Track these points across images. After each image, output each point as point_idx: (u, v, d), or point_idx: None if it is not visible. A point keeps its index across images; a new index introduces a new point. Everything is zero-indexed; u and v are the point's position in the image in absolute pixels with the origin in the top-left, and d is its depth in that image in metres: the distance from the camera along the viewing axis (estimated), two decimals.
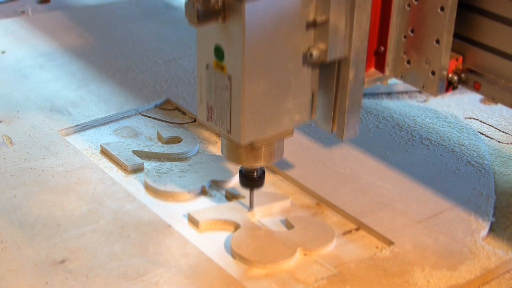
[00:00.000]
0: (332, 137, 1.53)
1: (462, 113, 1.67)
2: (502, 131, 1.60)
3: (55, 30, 2.04)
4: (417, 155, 1.49)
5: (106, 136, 1.56)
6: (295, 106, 1.16)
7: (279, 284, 1.18)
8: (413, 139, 1.54)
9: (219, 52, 1.09)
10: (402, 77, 1.22)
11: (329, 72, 1.15)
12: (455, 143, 1.54)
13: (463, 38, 1.19)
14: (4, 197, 1.33)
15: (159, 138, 1.55)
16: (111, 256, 1.21)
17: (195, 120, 1.62)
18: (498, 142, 1.57)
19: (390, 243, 1.26)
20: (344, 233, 1.30)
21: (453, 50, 1.17)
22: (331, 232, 1.27)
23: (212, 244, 1.26)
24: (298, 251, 1.23)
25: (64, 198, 1.34)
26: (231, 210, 1.32)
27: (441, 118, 1.64)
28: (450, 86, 1.20)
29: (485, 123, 1.63)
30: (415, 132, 1.57)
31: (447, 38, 1.15)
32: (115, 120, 1.61)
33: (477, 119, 1.65)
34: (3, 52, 1.90)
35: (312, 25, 1.10)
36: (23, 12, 2.15)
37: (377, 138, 1.54)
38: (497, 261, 1.22)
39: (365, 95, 1.71)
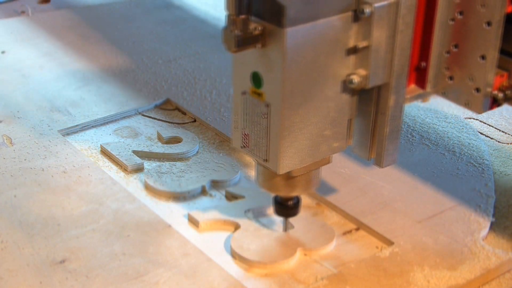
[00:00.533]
0: None
1: (462, 113, 1.66)
2: (502, 131, 1.60)
3: (55, 30, 2.04)
4: (417, 155, 1.49)
5: (106, 136, 1.56)
6: (333, 133, 1.12)
7: (279, 284, 1.18)
8: (413, 139, 1.55)
9: (256, 79, 1.06)
10: (444, 94, 1.18)
11: (368, 98, 1.12)
12: (455, 143, 1.54)
13: (509, 54, 1.15)
14: (4, 197, 1.34)
15: (159, 138, 1.55)
16: (111, 256, 1.21)
17: (195, 120, 1.62)
18: (498, 142, 1.57)
19: (390, 243, 1.26)
20: (344, 233, 1.30)
21: (498, 66, 1.14)
22: (331, 232, 1.27)
23: (212, 244, 1.26)
24: (298, 251, 1.23)
25: (64, 198, 1.34)
26: (231, 210, 1.32)
27: (441, 118, 1.64)
28: (494, 103, 1.16)
29: (485, 123, 1.63)
30: (415, 132, 1.57)
31: (493, 54, 1.11)
32: (115, 120, 1.61)
33: (477, 119, 1.65)
34: (3, 52, 1.90)
35: (353, 51, 1.07)
36: (23, 12, 2.15)
37: None
38: (497, 261, 1.22)
39: None
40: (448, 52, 1.16)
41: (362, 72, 1.07)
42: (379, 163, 1.16)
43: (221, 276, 1.18)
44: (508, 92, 1.16)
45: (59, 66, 1.83)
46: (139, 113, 1.64)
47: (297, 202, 1.23)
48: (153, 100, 1.68)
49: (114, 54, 1.90)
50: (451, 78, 1.17)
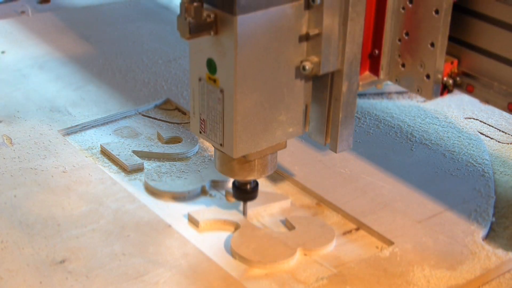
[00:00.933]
0: None
1: (462, 113, 1.67)
2: (502, 131, 1.60)
3: (55, 30, 2.04)
4: (417, 155, 1.49)
5: (106, 136, 1.56)
6: (288, 118, 1.15)
7: (279, 284, 1.18)
8: (413, 139, 1.55)
9: (211, 65, 1.09)
10: (396, 81, 1.21)
11: (322, 84, 1.15)
12: (455, 143, 1.54)
13: (459, 42, 1.18)
14: (4, 197, 1.33)
15: (159, 138, 1.55)
16: (111, 256, 1.21)
17: None
18: (498, 142, 1.57)
19: (390, 243, 1.26)
20: (344, 233, 1.30)
21: (448, 53, 1.17)
22: (331, 232, 1.27)
23: (212, 244, 1.26)
24: (298, 251, 1.23)
25: (64, 198, 1.34)
26: (231, 210, 1.32)
27: (441, 118, 1.64)
28: (445, 89, 1.19)
29: (485, 123, 1.63)
30: (415, 132, 1.57)
31: (442, 41, 1.14)
32: (115, 120, 1.61)
33: (477, 119, 1.65)
34: (3, 52, 1.90)
35: (305, 38, 1.09)
36: (23, 12, 2.15)
37: (377, 138, 1.54)
38: (497, 261, 1.22)
39: (364, 95, 1.71)
40: (400, 40, 1.18)
41: (314, 59, 1.10)
42: (334, 148, 1.19)
43: (221, 276, 1.18)
44: (458, 78, 1.18)
45: (59, 66, 1.83)
46: (139, 113, 1.64)
47: (255, 186, 1.26)
48: (153, 100, 1.68)
49: (114, 54, 1.90)
50: (403, 65, 1.19)
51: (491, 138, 1.58)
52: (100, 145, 1.51)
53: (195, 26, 1.04)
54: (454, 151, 1.51)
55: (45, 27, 2.05)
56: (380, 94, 1.72)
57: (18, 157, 1.45)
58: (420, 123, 1.61)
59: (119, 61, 1.86)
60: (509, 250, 1.25)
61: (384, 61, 1.20)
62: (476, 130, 1.60)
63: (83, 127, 1.58)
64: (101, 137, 1.55)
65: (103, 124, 1.60)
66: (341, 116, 1.15)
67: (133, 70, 1.82)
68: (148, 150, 1.49)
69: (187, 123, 1.61)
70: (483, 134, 1.59)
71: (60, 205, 1.32)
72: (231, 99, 1.08)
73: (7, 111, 1.62)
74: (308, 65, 1.10)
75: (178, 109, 1.66)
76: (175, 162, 1.46)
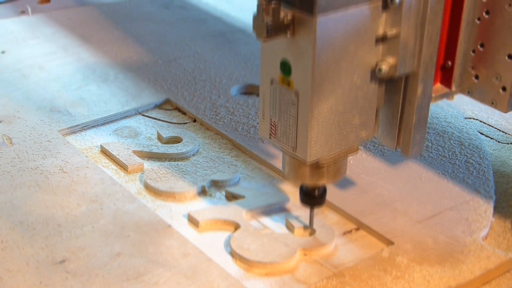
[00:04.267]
0: None
1: (462, 113, 1.67)
2: (502, 131, 1.60)
3: (55, 30, 2.04)
4: (417, 154, 1.49)
5: (106, 136, 1.56)
6: (361, 122, 1.13)
7: (279, 284, 1.18)
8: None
9: (285, 67, 1.06)
10: (469, 93, 1.18)
11: (394, 87, 1.13)
12: (455, 143, 1.54)
13: None
14: (4, 197, 1.33)
15: (159, 138, 1.55)
16: (111, 256, 1.21)
17: (195, 120, 1.62)
18: (498, 142, 1.57)
19: (390, 243, 1.26)
20: (344, 233, 1.30)
21: None
22: (331, 232, 1.27)
23: (212, 244, 1.26)
24: (298, 251, 1.23)
25: (64, 198, 1.34)
26: (231, 210, 1.32)
27: (441, 118, 1.64)
28: None
29: (485, 123, 1.63)
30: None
31: None
32: (115, 120, 1.61)
33: (477, 119, 1.65)
34: (3, 52, 1.90)
35: (382, 39, 1.07)
36: (23, 12, 2.15)
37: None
38: (497, 261, 1.22)
39: None
40: (474, 51, 1.16)
41: (390, 60, 1.08)
42: (406, 152, 1.16)
43: (221, 276, 1.18)
44: None
45: (59, 66, 1.83)
46: (139, 113, 1.64)
47: (323, 191, 1.23)
48: (153, 100, 1.68)
49: (114, 54, 1.90)
50: (476, 77, 1.17)
51: (491, 138, 1.58)
52: (100, 145, 1.51)
53: (273, 27, 1.01)
54: (454, 151, 1.51)
55: (45, 27, 2.05)
56: None
57: (18, 157, 1.45)
58: None
59: (119, 61, 1.86)
60: (509, 250, 1.25)
61: (456, 73, 1.18)
62: (476, 130, 1.60)
63: (83, 127, 1.58)
64: (101, 137, 1.55)
65: (103, 124, 1.60)
66: (414, 119, 1.13)
67: (133, 70, 1.82)
68: (148, 150, 1.49)
69: (187, 123, 1.61)
70: (483, 134, 1.59)
71: (60, 205, 1.32)
72: (307, 102, 1.05)
73: (7, 111, 1.62)
74: (384, 67, 1.07)
75: (178, 109, 1.66)
76: (175, 162, 1.46)
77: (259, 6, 1.00)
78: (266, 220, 1.31)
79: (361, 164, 1.46)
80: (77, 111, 1.63)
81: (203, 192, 1.39)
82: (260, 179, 1.43)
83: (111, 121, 1.61)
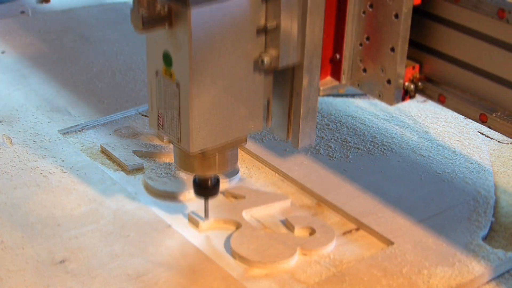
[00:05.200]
0: (331, 137, 1.53)
1: None
2: None
3: (55, 30, 2.03)
4: (417, 155, 1.49)
5: (106, 136, 1.56)
6: (248, 113, 1.13)
7: (279, 284, 1.18)
8: (413, 139, 1.54)
9: (167, 59, 1.07)
10: (359, 86, 1.20)
11: (283, 79, 1.13)
12: (455, 143, 1.54)
13: (420, 46, 1.17)
14: (4, 197, 1.33)
15: (159, 138, 1.55)
16: (111, 256, 1.21)
17: None
18: (498, 142, 1.57)
19: (390, 243, 1.26)
20: (344, 233, 1.30)
21: (410, 58, 1.15)
22: (331, 232, 1.27)
23: (212, 244, 1.26)
24: (298, 251, 1.23)
25: (64, 198, 1.34)
26: (231, 210, 1.32)
27: (441, 118, 1.63)
28: (406, 95, 1.18)
29: None
30: (415, 132, 1.57)
31: (402, 46, 1.12)
32: (115, 120, 1.61)
33: None
34: (3, 52, 1.90)
35: (263, 31, 1.08)
36: (23, 12, 2.15)
37: (376, 138, 1.54)
38: (497, 261, 1.22)
39: (365, 94, 1.71)
40: (361, 44, 1.17)
41: (273, 52, 1.08)
42: (295, 144, 1.17)
43: (221, 276, 1.18)
44: (420, 84, 1.17)
45: (59, 66, 1.83)
46: (139, 113, 1.64)
47: (216, 182, 1.24)
48: None
49: (114, 54, 1.90)
50: (364, 70, 1.18)
51: (491, 138, 1.58)
52: (100, 145, 1.51)
53: (149, 19, 1.02)
54: (454, 151, 1.51)
55: (45, 27, 2.05)
56: None
57: (18, 157, 1.45)
58: (420, 123, 1.61)
59: (119, 61, 1.86)
60: (509, 250, 1.25)
61: (345, 66, 1.19)
62: (476, 130, 1.60)
63: (83, 127, 1.58)
64: (101, 137, 1.55)
65: (103, 124, 1.60)
66: (302, 111, 1.13)
67: (133, 70, 1.82)
68: (148, 150, 1.49)
69: None
70: (483, 134, 1.59)
71: (60, 205, 1.32)
72: (187, 93, 1.06)
73: (7, 111, 1.62)
74: (266, 59, 1.08)
75: None
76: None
77: None
78: (266, 220, 1.31)
79: (361, 164, 1.46)
80: (77, 111, 1.63)
81: None
82: (260, 179, 1.43)
83: (111, 121, 1.61)
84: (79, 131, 1.57)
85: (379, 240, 1.28)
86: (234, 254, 1.23)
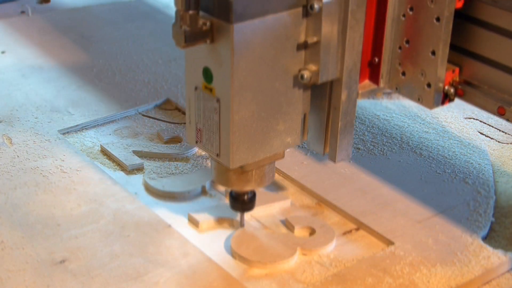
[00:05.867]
0: None
1: (462, 113, 1.66)
2: (502, 131, 1.60)
3: (55, 30, 2.03)
4: (417, 155, 1.49)
5: (106, 136, 1.56)
6: (286, 128, 1.13)
7: (279, 284, 1.18)
8: (413, 139, 1.54)
9: (207, 74, 1.07)
10: (397, 89, 1.19)
11: (321, 93, 1.13)
12: (455, 143, 1.54)
13: (460, 50, 1.17)
14: (4, 197, 1.33)
15: (159, 138, 1.55)
16: (111, 256, 1.21)
17: None
18: (498, 142, 1.57)
19: (390, 243, 1.26)
20: (344, 233, 1.30)
21: (449, 61, 1.15)
22: (331, 232, 1.27)
23: (212, 244, 1.26)
24: (298, 251, 1.23)
25: (64, 198, 1.34)
26: (231, 210, 1.32)
27: (441, 118, 1.64)
28: (446, 98, 1.17)
29: (485, 123, 1.63)
30: (415, 132, 1.57)
31: (443, 50, 1.12)
32: (115, 120, 1.61)
33: (477, 119, 1.65)
34: (3, 52, 1.90)
35: (303, 46, 1.08)
36: (23, 12, 2.15)
37: (377, 138, 1.54)
38: (497, 261, 1.22)
39: (364, 95, 1.71)
40: (400, 47, 1.17)
41: (312, 67, 1.08)
42: (333, 158, 1.17)
43: (221, 276, 1.18)
44: (459, 87, 1.16)
45: (59, 66, 1.83)
46: (139, 113, 1.64)
47: (252, 196, 1.24)
48: (153, 100, 1.68)
49: (114, 54, 1.90)
50: (403, 73, 1.18)
51: (491, 138, 1.58)
52: (100, 145, 1.51)
53: (191, 35, 1.02)
54: (454, 151, 1.51)
55: (45, 27, 2.05)
56: (380, 94, 1.72)
57: (18, 157, 1.45)
58: (420, 123, 1.61)
59: (119, 61, 1.86)
60: (509, 250, 1.25)
61: (384, 69, 1.18)
62: (476, 130, 1.60)
63: (83, 127, 1.58)
64: (101, 137, 1.55)
65: (103, 124, 1.60)
66: (340, 125, 1.13)
67: (133, 70, 1.82)
68: (148, 150, 1.49)
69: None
70: (483, 134, 1.59)
71: (60, 205, 1.32)
72: (228, 108, 1.06)
73: (7, 111, 1.62)
74: (306, 74, 1.08)
75: (178, 109, 1.66)
76: (175, 162, 1.46)
77: (177, 13, 1.01)
78: (266, 220, 1.31)
79: (361, 164, 1.46)
80: (77, 111, 1.63)
81: (203, 192, 1.39)
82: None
83: (111, 121, 1.61)
84: (79, 131, 1.58)
85: (379, 240, 1.28)
86: (234, 254, 1.23)
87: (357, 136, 1.54)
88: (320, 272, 1.20)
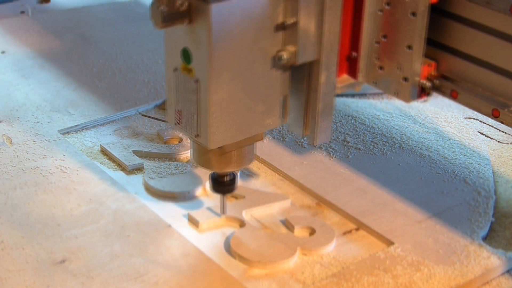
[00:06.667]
0: (331, 137, 1.53)
1: (462, 113, 1.66)
2: (502, 131, 1.60)
3: (55, 30, 2.04)
4: (417, 155, 1.49)
5: (106, 136, 1.56)
6: (265, 110, 1.14)
7: (279, 284, 1.18)
8: (413, 139, 1.54)
9: (186, 55, 1.07)
10: (375, 83, 1.20)
11: (300, 75, 1.13)
12: (455, 143, 1.54)
13: (437, 44, 1.17)
14: (4, 197, 1.33)
15: (159, 138, 1.55)
16: (111, 256, 1.21)
17: None
18: (498, 142, 1.57)
19: (390, 243, 1.26)
20: (344, 233, 1.30)
21: (426, 56, 1.16)
22: (331, 232, 1.27)
23: (212, 244, 1.26)
24: (298, 251, 1.23)
25: (64, 198, 1.34)
26: (231, 210, 1.32)
27: (441, 118, 1.64)
28: (423, 92, 1.18)
29: (485, 123, 1.63)
30: (415, 132, 1.57)
31: (419, 44, 1.13)
32: (115, 120, 1.61)
33: (477, 119, 1.65)
34: (3, 52, 1.90)
35: (281, 27, 1.08)
36: (23, 12, 2.15)
37: (377, 138, 1.54)
38: (497, 261, 1.22)
39: (364, 94, 1.71)
40: (377, 42, 1.18)
41: (291, 48, 1.09)
42: (312, 140, 1.17)
43: (221, 276, 1.18)
44: (436, 81, 1.17)
45: (59, 66, 1.83)
46: (139, 113, 1.64)
47: (233, 178, 1.24)
48: (153, 100, 1.68)
49: (114, 54, 1.90)
50: (381, 67, 1.19)
51: (491, 138, 1.58)
52: (100, 145, 1.51)
53: (168, 15, 1.02)
54: (454, 151, 1.51)
55: (45, 27, 2.05)
56: (380, 94, 1.72)
57: (18, 157, 1.45)
58: (420, 123, 1.61)
59: (119, 61, 1.87)
60: (509, 250, 1.25)
61: (362, 64, 1.19)
62: (476, 130, 1.60)
63: (83, 127, 1.58)
64: (101, 137, 1.55)
65: (103, 124, 1.60)
66: (319, 107, 1.14)
67: (133, 70, 1.82)
68: (148, 150, 1.49)
69: None
70: (483, 134, 1.59)
71: (60, 205, 1.32)
72: (206, 89, 1.07)
73: (7, 111, 1.62)
74: (284, 55, 1.08)
75: None
76: (175, 162, 1.46)
77: None
78: (266, 220, 1.31)
79: (361, 164, 1.46)
80: (77, 111, 1.63)
81: (203, 192, 1.39)
82: (260, 179, 1.43)
83: (111, 121, 1.61)
84: (79, 131, 1.58)
85: (379, 240, 1.28)
86: (234, 254, 1.23)
87: (357, 136, 1.54)
88: (320, 272, 1.20)
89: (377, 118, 1.62)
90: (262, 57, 1.09)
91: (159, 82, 1.76)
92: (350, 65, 1.20)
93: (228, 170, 1.21)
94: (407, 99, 1.17)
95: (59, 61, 1.86)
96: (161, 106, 1.67)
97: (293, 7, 1.06)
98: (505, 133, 1.60)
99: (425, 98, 1.20)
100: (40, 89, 1.72)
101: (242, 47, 1.06)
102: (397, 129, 1.58)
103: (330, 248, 1.25)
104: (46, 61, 1.86)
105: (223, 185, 1.25)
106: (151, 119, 1.62)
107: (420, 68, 1.16)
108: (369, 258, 1.22)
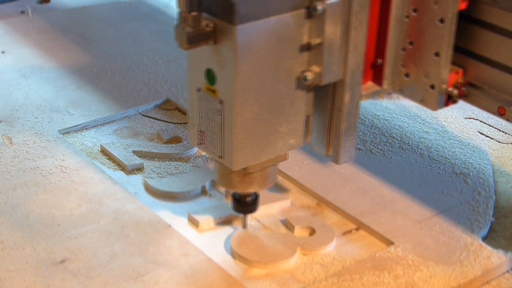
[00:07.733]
0: None
1: (462, 113, 1.66)
2: (502, 131, 1.60)
3: (55, 30, 2.04)
4: (417, 155, 1.49)
5: (106, 136, 1.56)
6: (289, 130, 1.13)
7: (279, 284, 1.18)
8: (413, 139, 1.54)
9: (210, 76, 1.07)
10: (400, 91, 1.18)
11: (324, 94, 1.13)
12: (455, 143, 1.54)
13: (464, 51, 1.16)
14: (4, 197, 1.33)
15: (159, 138, 1.55)
16: (111, 256, 1.21)
17: None
18: (498, 142, 1.57)
19: (390, 243, 1.26)
20: (344, 233, 1.30)
21: (453, 63, 1.15)
22: (331, 232, 1.27)
23: (212, 244, 1.26)
24: (298, 251, 1.23)
25: (64, 198, 1.34)
26: (231, 210, 1.32)
27: (441, 118, 1.64)
28: (450, 100, 1.17)
29: (485, 123, 1.63)
30: (415, 132, 1.57)
31: (447, 51, 1.12)
32: (115, 120, 1.61)
33: (477, 119, 1.65)
34: (3, 52, 1.90)
35: (306, 47, 1.07)
36: (23, 12, 2.15)
37: (377, 138, 1.54)
38: (497, 261, 1.22)
39: (364, 95, 1.70)
40: (403, 49, 1.16)
41: (316, 69, 1.08)
42: (335, 159, 1.16)
43: (221, 276, 1.18)
44: (463, 89, 1.16)
45: (59, 66, 1.83)
46: (139, 113, 1.64)
47: (255, 198, 1.23)
48: (153, 100, 1.68)
49: (114, 54, 1.90)
50: (407, 75, 1.17)
51: (491, 138, 1.58)
52: (100, 145, 1.51)
53: (194, 36, 1.01)
54: (454, 151, 1.51)
55: (45, 27, 2.05)
56: (380, 94, 1.72)
57: (18, 157, 1.45)
58: (420, 123, 1.61)
59: (119, 61, 1.87)
60: (509, 250, 1.25)
61: (387, 71, 1.18)
62: (476, 130, 1.60)
63: (83, 127, 1.58)
64: (101, 137, 1.55)
65: (103, 124, 1.60)
66: (343, 127, 1.13)
67: (133, 70, 1.82)
68: (148, 150, 1.49)
69: (187, 123, 1.61)
70: (483, 134, 1.59)
71: (60, 205, 1.32)
72: (231, 110, 1.06)
73: (7, 111, 1.62)
74: (309, 75, 1.07)
75: (178, 109, 1.66)
76: (175, 162, 1.46)
77: (179, 15, 1.00)
78: (266, 220, 1.31)
79: (361, 164, 1.46)
80: (77, 111, 1.63)
81: (203, 192, 1.39)
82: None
83: (111, 121, 1.61)
84: (79, 131, 1.58)
85: (379, 240, 1.28)
86: (234, 254, 1.23)
87: (357, 136, 1.54)
88: (320, 272, 1.20)
89: (377, 118, 1.62)
90: (287, 77, 1.08)
91: (159, 82, 1.76)
92: (375, 72, 1.18)
93: (251, 190, 1.20)
94: (434, 107, 1.16)
95: (59, 61, 1.86)
96: (161, 106, 1.67)
97: (318, 27, 1.05)
98: (505, 133, 1.60)
99: (451, 105, 1.18)
100: (40, 89, 1.72)
101: (267, 67, 1.05)
102: (397, 129, 1.58)
103: (330, 248, 1.25)
104: (46, 61, 1.86)
105: (245, 205, 1.24)
106: (151, 119, 1.62)
107: (448, 75, 1.14)
108: (369, 258, 1.22)
